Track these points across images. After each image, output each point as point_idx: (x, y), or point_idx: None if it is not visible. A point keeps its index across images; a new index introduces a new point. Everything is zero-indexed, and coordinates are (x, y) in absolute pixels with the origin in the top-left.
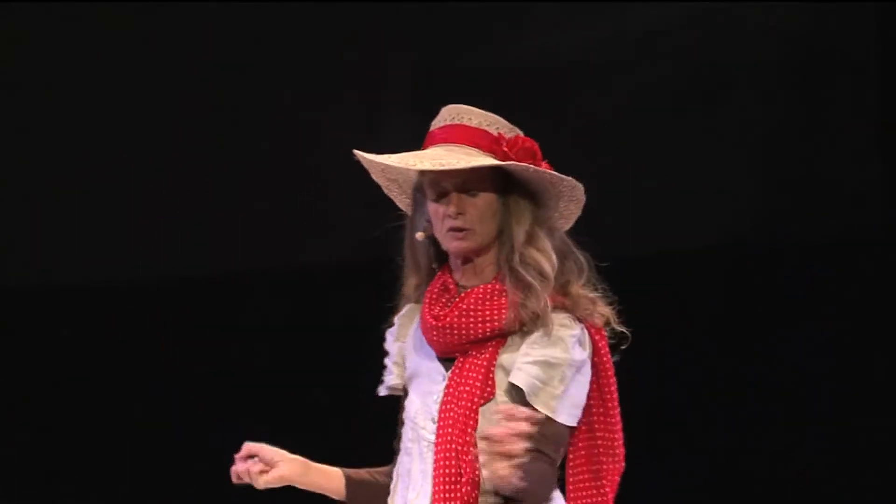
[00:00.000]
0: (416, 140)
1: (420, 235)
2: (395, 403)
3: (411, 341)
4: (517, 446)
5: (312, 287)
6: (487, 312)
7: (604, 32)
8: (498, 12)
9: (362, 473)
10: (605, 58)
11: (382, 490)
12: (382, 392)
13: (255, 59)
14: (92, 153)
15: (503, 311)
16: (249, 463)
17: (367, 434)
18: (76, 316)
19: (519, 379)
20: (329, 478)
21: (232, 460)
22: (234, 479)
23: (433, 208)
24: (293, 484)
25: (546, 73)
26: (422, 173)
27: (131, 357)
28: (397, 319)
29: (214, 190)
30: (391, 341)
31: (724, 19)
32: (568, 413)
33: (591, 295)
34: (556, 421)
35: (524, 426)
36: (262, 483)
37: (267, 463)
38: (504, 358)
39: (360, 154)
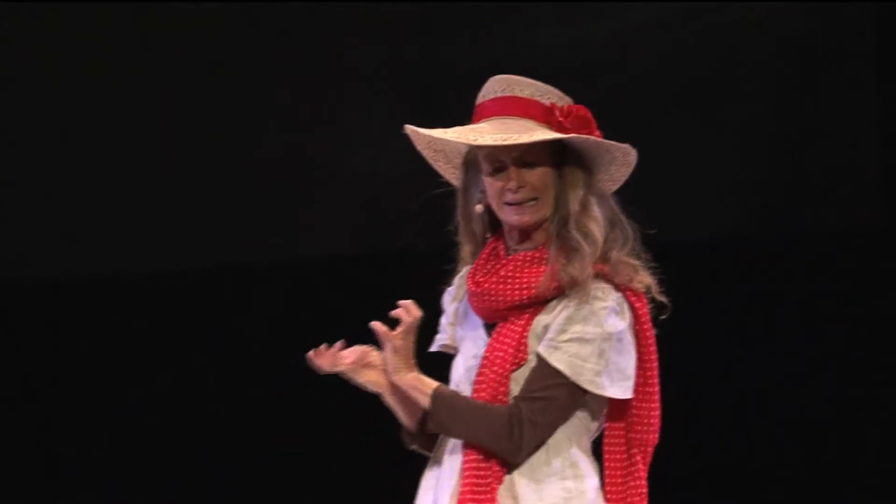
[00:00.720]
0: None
1: (479, 208)
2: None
3: (463, 306)
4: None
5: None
6: (525, 279)
7: (598, 29)
8: (488, 11)
9: None
10: (599, 54)
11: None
12: (434, 348)
13: (246, 54)
14: (86, 148)
15: (539, 277)
16: (343, 352)
17: (369, 428)
18: (64, 309)
19: (557, 359)
20: (411, 408)
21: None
22: (316, 360)
23: (489, 182)
24: (380, 393)
25: (543, 69)
26: (478, 147)
27: (125, 352)
28: (456, 280)
29: (203, 185)
30: (448, 300)
31: (721, 15)
32: (618, 386)
33: (633, 262)
34: (575, 385)
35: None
36: (352, 373)
37: (361, 360)
38: (538, 321)
39: (411, 128)
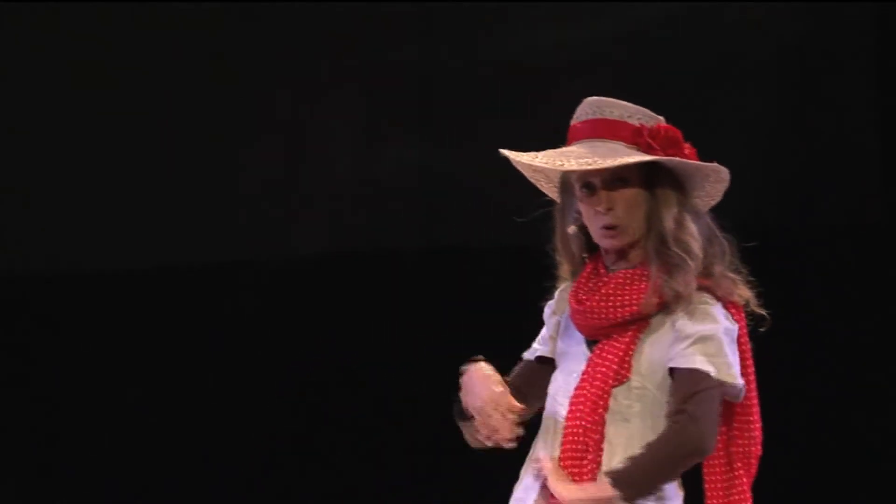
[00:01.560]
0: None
1: (571, 229)
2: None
3: (565, 322)
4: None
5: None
6: (626, 297)
7: (597, 25)
8: (481, 11)
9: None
10: (597, 51)
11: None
12: (528, 355)
13: (238, 55)
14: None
15: (641, 295)
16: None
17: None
18: (54, 304)
19: (697, 364)
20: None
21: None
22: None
23: (583, 204)
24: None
25: (542, 66)
26: (565, 171)
27: (116, 349)
28: (557, 294)
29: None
30: (549, 314)
31: (721, 14)
32: (735, 377)
33: (733, 276)
34: (720, 384)
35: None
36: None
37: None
38: (648, 340)
39: (507, 153)
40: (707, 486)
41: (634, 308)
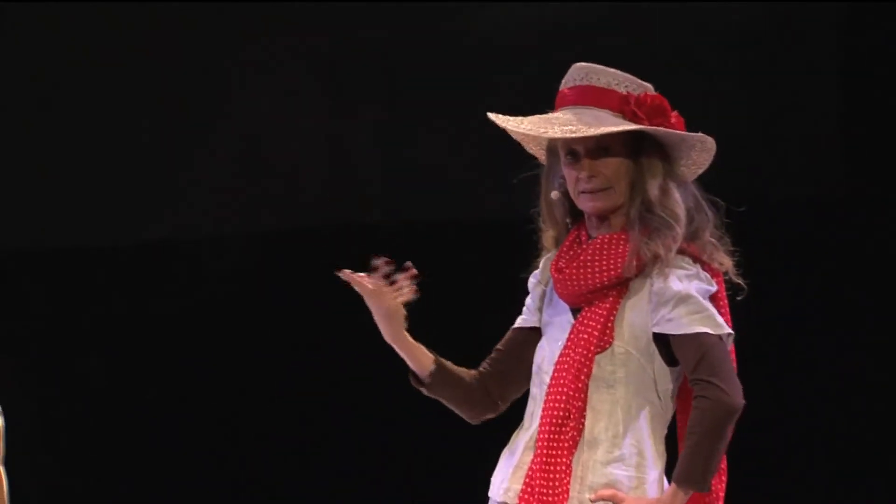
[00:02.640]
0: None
1: (555, 195)
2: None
3: (550, 292)
4: None
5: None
6: (605, 262)
7: (562, 6)
8: None
9: (452, 366)
10: (560, 32)
11: (464, 388)
12: (517, 324)
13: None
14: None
15: (619, 259)
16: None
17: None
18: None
19: (693, 327)
20: (419, 354)
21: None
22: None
23: (567, 171)
24: (386, 330)
25: (514, 45)
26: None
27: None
28: (542, 263)
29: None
30: (534, 283)
31: None
32: (722, 325)
33: (716, 243)
34: (723, 339)
35: None
36: (370, 293)
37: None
38: (628, 305)
39: (494, 116)
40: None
41: (612, 273)
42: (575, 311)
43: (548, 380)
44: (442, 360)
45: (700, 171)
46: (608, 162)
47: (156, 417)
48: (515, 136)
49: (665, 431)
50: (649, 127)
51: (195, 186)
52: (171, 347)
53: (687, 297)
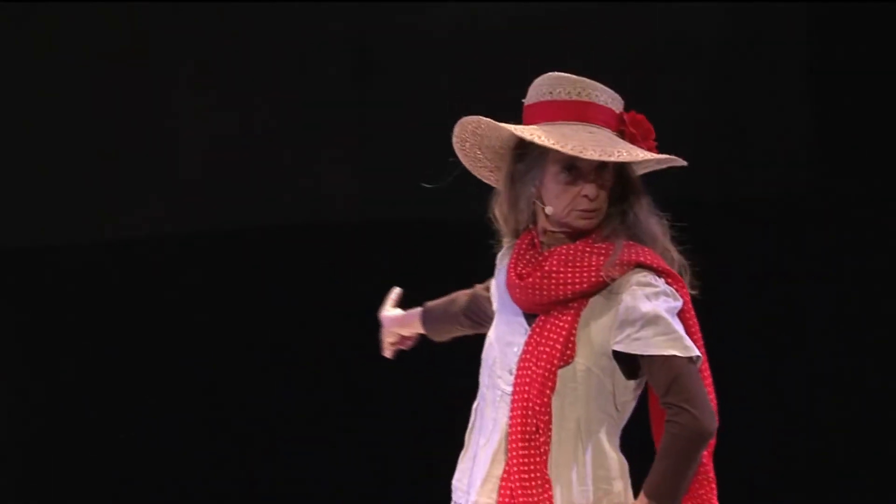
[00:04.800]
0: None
1: (549, 210)
2: None
3: (498, 285)
4: None
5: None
6: (570, 275)
7: (528, 6)
8: None
9: (436, 309)
10: (534, 26)
11: (452, 316)
12: (481, 285)
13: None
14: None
15: (586, 272)
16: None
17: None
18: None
19: (661, 349)
20: (414, 325)
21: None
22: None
23: (561, 185)
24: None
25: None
26: (573, 156)
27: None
28: (498, 256)
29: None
30: (493, 282)
31: None
32: (691, 347)
33: (673, 251)
34: (693, 361)
35: None
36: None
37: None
38: (590, 320)
39: (487, 121)
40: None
41: (578, 287)
42: (528, 316)
43: (504, 386)
44: (425, 310)
45: (645, 172)
46: (607, 181)
47: (127, 416)
48: (462, 135)
49: (619, 437)
50: (667, 157)
51: (162, 183)
52: (143, 346)
53: (656, 317)
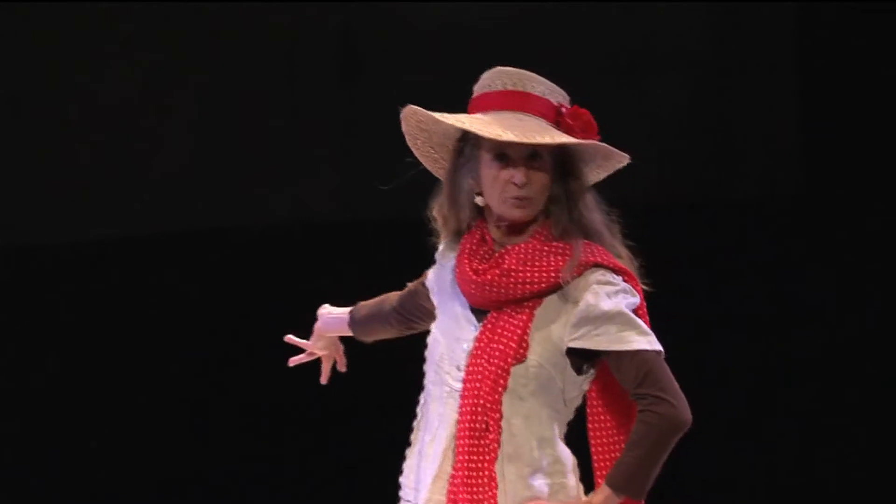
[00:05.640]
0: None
1: (480, 201)
2: None
3: (441, 280)
4: None
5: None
6: (529, 274)
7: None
8: None
9: (365, 308)
10: (520, 23)
11: (379, 316)
12: (415, 282)
13: None
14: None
15: (545, 272)
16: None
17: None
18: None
19: (631, 343)
20: (342, 329)
21: None
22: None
23: (493, 173)
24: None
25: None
26: (500, 142)
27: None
28: (440, 249)
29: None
30: (430, 276)
31: None
32: (654, 340)
33: (625, 249)
34: (657, 353)
35: None
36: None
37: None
38: (545, 318)
39: (428, 113)
40: (595, 455)
41: (537, 287)
42: (476, 312)
43: (452, 382)
44: (352, 313)
45: (597, 180)
46: (540, 170)
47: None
48: (411, 132)
49: (565, 433)
50: (601, 145)
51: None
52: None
53: (619, 313)
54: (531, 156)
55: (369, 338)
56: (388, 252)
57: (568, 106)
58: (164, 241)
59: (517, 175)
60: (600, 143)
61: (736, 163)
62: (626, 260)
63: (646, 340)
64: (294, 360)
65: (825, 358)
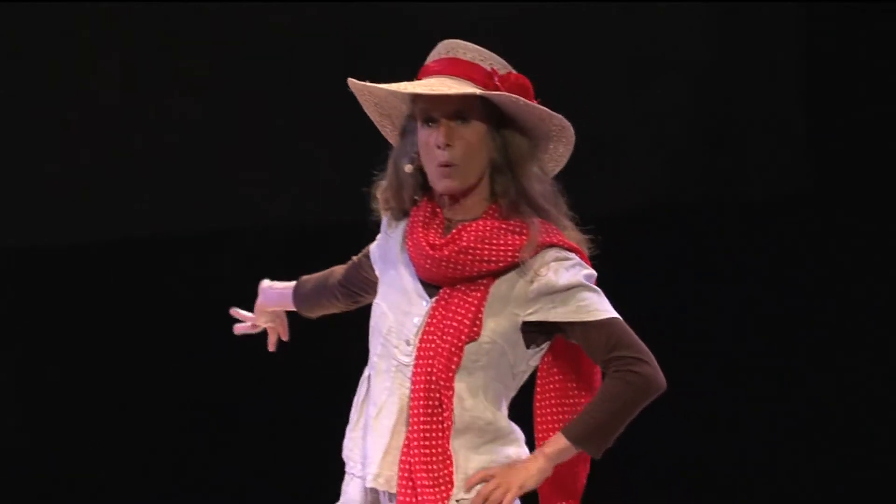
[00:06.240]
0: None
1: (408, 168)
2: None
3: (386, 250)
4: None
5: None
6: (487, 252)
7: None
8: None
9: (310, 282)
10: (535, 23)
11: (323, 290)
12: (359, 255)
13: None
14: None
15: (503, 251)
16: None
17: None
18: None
19: (597, 313)
20: (285, 304)
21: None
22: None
23: (423, 137)
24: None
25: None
26: (414, 102)
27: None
28: (384, 221)
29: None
30: (373, 247)
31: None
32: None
33: (569, 222)
34: (615, 319)
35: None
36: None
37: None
38: (499, 296)
39: (353, 82)
40: (538, 425)
41: (493, 265)
42: (427, 286)
43: (401, 357)
44: (296, 288)
45: (558, 169)
46: (466, 131)
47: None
48: (374, 119)
49: (508, 406)
50: (509, 95)
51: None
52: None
53: (579, 284)
54: (457, 116)
55: (314, 313)
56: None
57: (504, 72)
58: (163, 242)
59: (440, 135)
60: (519, 98)
61: (742, 164)
62: (570, 232)
63: (610, 308)
64: (239, 329)
65: (829, 358)
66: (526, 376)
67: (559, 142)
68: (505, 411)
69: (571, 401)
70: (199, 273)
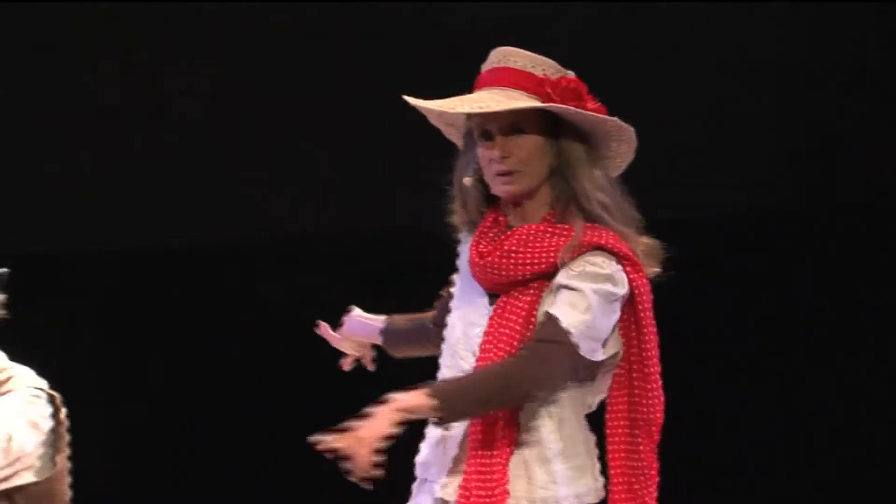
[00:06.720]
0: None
1: (467, 181)
2: None
3: (462, 266)
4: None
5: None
6: (529, 255)
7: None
8: None
9: (401, 325)
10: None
11: (416, 331)
12: (445, 288)
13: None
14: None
15: (545, 253)
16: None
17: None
18: None
19: (563, 315)
20: (373, 334)
21: None
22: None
23: (481, 152)
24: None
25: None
26: (469, 118)
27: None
28: (461, 244)
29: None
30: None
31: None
32: (585, 338)
33: (643, 240)
34: (569, 337)
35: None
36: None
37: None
38: (549, 299)
39: (408, 99)
40: (610, 446)
41: (538, 268)
42: (491, 296)
43: (466, 367)
44: (386, 323)
45: (624, 165)
46: (522, 142)
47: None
48: (440, 128)
49: (585, 414)
50: (559, 105)
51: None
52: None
53: (579, 291)
54: (513, 130)
55: (400, 353)
56: (387, 257)
57: (556, 78)
58: (163, 242)
59: (495, 149)
60: (568, 108)
61: (714, 175)
62: (632, 240)
63: (573, 320)
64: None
65: (804, 371)
66: (597, 384)
67: (620, 140)
68: (578, 420)
69: (634, 415)
70: (200, 273)
